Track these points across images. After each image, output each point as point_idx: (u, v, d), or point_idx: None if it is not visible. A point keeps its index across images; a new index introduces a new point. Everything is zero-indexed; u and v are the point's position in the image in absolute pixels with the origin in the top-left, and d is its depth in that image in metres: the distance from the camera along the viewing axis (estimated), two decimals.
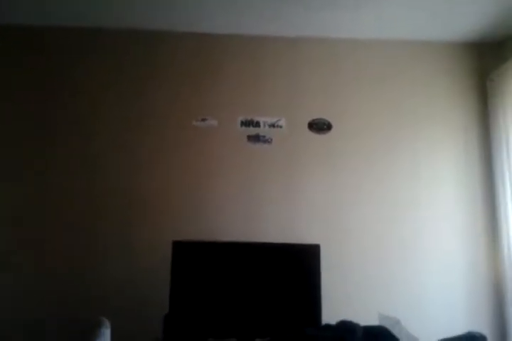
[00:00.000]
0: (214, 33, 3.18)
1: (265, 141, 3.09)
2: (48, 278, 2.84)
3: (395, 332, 1.94)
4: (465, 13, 2.92)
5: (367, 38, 3.24)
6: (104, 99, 3.09)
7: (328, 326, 2.02)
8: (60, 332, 2.72)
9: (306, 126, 3.13)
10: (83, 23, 3.10)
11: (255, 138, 3.09)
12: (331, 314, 2.31)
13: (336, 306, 2.57)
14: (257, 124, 3.11)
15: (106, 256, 2.88)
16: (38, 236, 2.89)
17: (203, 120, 3.10)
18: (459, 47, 3.29)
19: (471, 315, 2.93)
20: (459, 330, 1.92)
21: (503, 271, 2.92)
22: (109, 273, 2.85)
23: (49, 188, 2.95)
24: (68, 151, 3.00)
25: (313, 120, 3.13)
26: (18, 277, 2.83)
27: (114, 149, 3.03)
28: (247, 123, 3.11)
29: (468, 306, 2.94)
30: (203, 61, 3.17)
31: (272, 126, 3.11)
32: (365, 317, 2.01)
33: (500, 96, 3.02)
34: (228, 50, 3.20)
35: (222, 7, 2.88)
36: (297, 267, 2.55)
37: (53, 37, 3.14)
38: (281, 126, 3.12)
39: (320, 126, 3.13)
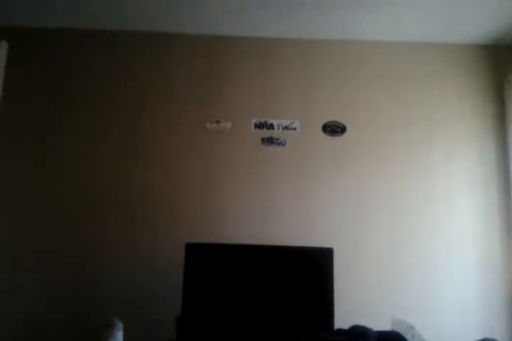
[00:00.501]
0: (228, 35, 3.20)
1: (279, 143, 3.09)
2: (60, 278, 2.87)
3: (408, 337, 1.93)
4: (480, 15, 2.89)
5: (382, 40, 3.23)
6: (116, 101, 3.11)
7: (340, 331, 2.02)
8: (72, 333, 2.74)
9: (320, 128, 3.12)
10: (93, 25, 3.13)
11: (269, 141, 3.09)
12: (343, 318, 2.30)
13: (349, 310, 2.57)
14: (271, 126, 3.11)
15: (119, 258, 2.90)
16: (51, 237, 2.92)
17: (217, 122, 3.11)
18: (475, 50, 3.25)
19: (486, 320, 2.88)
20: (474, 337, 1.90)
21: None
22: (122, 275, 2.87)
23: (59, 193, 2.98)
24: (76, 153, 3.03)
25: (328, 122, 3.12)
26: (30, 278, 2.86)
27: (126, 152, 3.05)
28: (260, 126, 3.11)
29: (483, 312, 2.90)
30: (216, 63, 3.19)
31: (286, 128, 3.11)
32: (379, 322, 2.00)
33: None
34: (242, 52, 3.21)
35: (235, 9, 2.88)
36: (310, 271, 2.54)
37: (63, 39, 3.17)
38: (295, 129, 3.11)
39: (334, 129, 3.12)
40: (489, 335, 1.95)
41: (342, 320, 2.26)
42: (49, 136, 3.04)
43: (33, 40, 3.15)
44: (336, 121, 3.12)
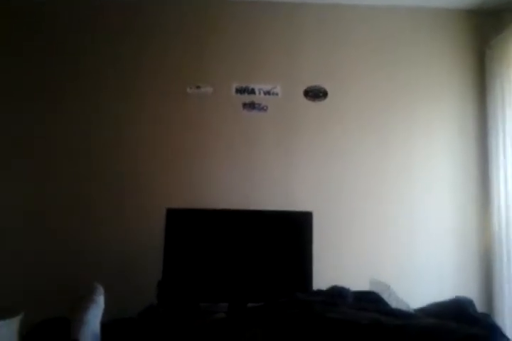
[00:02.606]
0: None
1: (261, 108, 3.06)
2: (44, 245, 2.86)
3: (385, 296, 1.97)
4: None
5: (365, 4, 3.15)
6: (103, 69, 3.04)
7: (319, 291, 2.04)
8: (55, 300, 2.74)
9: (302, 93, 3.08)
10: None
11: (251, 106, 3.06)
12: (322, 280, 2.33)
13: (327, 272, 2.61)
14: (253, 91, 3.06)
15: (100, 224, 2.90)
16: (38, 201, 2.91)
17: (198, 87, 3.05)
18: (458, 15, 3.21)
19: (460, 281, 2.98)
20: (447, 296, 1.94)
21: (491, 239, 2.95)
22: (103, 240, 2.87)
23: (48, 155, 2.95)
24: (68, 120, 2.98)
25: (309, 87, 3.09)
26: (19, 239, 2.86)
27: (110, 117, 3.00)
28: (242, 91, 3.06)
29: (457, 273, 2.99)
30: (196, 26, 3.10)
31: (268, 93, 3.07)
32: (357, 283, 2.03)
33: (498, 64, 2.98)
34: (223, 15, 3.12)
35: None
36: (290, 234, 2.57)
37: (55, 9, 3.06)
38: (276, 94, 3.07)
39: (316, 94, 3.09)
40: (463, 294, 1.99)
41: (320, 282, 2.29)
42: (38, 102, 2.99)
43: (21, 12, 3.05)
44: (317, 86, 3.09)
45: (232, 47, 3.10)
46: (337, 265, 2.88)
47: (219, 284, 2.51)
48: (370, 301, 1.89)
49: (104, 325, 2.00)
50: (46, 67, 3.02)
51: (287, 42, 3.13)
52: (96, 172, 2.95)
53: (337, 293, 1.93)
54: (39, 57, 3.02)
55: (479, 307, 1.93)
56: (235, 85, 3.06)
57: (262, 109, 3.05)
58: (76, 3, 3.06)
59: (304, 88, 3.08)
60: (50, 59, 3.03)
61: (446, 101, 3.13)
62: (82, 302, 2.00)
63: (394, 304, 1.94)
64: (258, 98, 3.06)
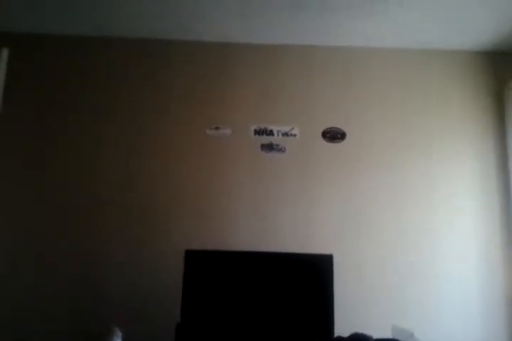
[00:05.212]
0: (227, 42, 3.20)
1: (279, 149, 3.09)
2: (60, 285, 2.86)
3: None
4: (481, 21, 2.89)
5: (381, 47, 3.23)
6: (115, 107, 3.11)
7: (340, 338, 2.00)
8: (71, 340, 2.73)
9: (320, 135, 3.12)
10: (94, 32, 3.15)
11: (269, 147, 3.09)
12: (343, 326, 2.28)
13: (349, 318, 2.55)
14: (271, 133, 3.11)
15: (118, 266, 2.89)
16: (52, 243, 2.91)
17: (217, 128, 3.11)
18: (475, 56, 3.25)
19: (487, 329, 2.87)
20: None
21: None
22: (121, 283, 2.86)
23: (59, 199, 2.99)
24: (77, 158, 3.03)
25: (327, 129, 3.12)
26: (29, 283, 2.85)
27: (126, 157, 3.05)
28: (260, 132, 3.11)
29: (483, 321, 2.88)
30: (216, 69, 3.19)
31: (286, 134, 3.11)
32: (379, 330, 1.98)
33: None
34: (241, 59, 3.22)
35: (235, 15, 2.89)
36: (310, 277, 2.53)
37: (64, 46, 3.18)
38: (294, 135, 3.11)
39: (334, 135, 3.12)
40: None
41: (342, 328, 2.23)
42: (48, 138, 3.05)
43: (33, 47, 3.16)
44: (335, 127, 3.12)
45: (251, 90, 3.17)
46: (359, 310, 2.81)
47: (238, 328, 2.47)
48: None
49: None
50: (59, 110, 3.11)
51: (304, 84, 3.19)
52: (113, 213, 2.97)
53: None
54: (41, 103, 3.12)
55: None
56: (253, 127, 3.11)
57: (280, 150, 3.08)
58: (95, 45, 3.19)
59: (322, 129, 3.12)
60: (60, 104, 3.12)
61: (466, 142, 3.12)
62: None
63: None
64: (276, 139, 3.10)
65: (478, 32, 3.03)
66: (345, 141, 3.11)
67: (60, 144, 3.05)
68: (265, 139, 3.10)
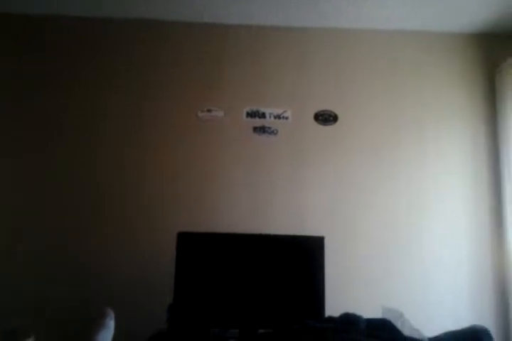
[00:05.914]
0: (221, 23, 3.17)
1: (271, 132, 3.08)
2: (52, 268, 2.87)
3: (398, 324, 1.94)
4: (475, 3, 2.87)
5: (376, 29, 3.21)
6: (110, 90, 3.09)
7: (330, 318, 2.02)
8: (64, 323, 2.74)
9: (312, 117, 3.11)
10: (91, 13, 3.10)
11: (261, 130, 3.08)
12: (334, 306, 2.30)
13: (340, 298, 2.58)
14: (263, 115, 3.09)
15: (110, 247, 2.90)
16: (45, 226, 2.92)
17: (209, 111, 3.09)
18: (467, 39, 3.25)
19: (476, 309, 2.92)
20: (463, 324, 1.91)
21: (507, 267, 2.90)
22: (113, 264, 2.87)
23: (52, 182, 2.97)
24: (73, 144, 3.01)
25: (320, 111, 3.11)
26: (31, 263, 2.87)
27: (119, 140, 3.03)
28: (252, 115, 3.09)
29: (472, 300, 2.94)
30: (209, 51, 3.16)
31: (278, 117, 3.10)
32: (369, 310, 2.01)
33: (509, 88, 2.98)
34: (234, 41, 3.18)
35: None
36: (301, 259, 2.55)
37: (60, 26, 3.13)
38: (286, 118, 3.10)
39: (326, 118, 3.11)
40: (479, 323, 1.96)
41: (332, 308, 2.26)
42: (41, 127, 3.03)
43: (26, 27, 3.11)
44: (327, 110, 3.11)
45: (243, 72, 3.15)
46: (349, 291, 2.85)
47: (230, 309, 2.49)
48: (383, 329, 1.86)
49: None
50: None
51: (297, 66, 3.17)
52: (107, 196, 2.96)
53: (349, 321, 1.91)
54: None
55: (495, 337, 1.89)
56: (245, 109, 3.09)
57: (273, 132, 3.07)
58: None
59: (314, 112, 3.11)
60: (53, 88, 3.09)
61: (457, 123, 3.14)
62: (92, 326, 2.00)
63: (407, 332, 1.91)
64: (268, 122, 3.09)
65: (470, 14, 3.02)
66: (337, 124, 3.11)
67: (64, 129, 3.04)
68: (257, 122, 3.09)
